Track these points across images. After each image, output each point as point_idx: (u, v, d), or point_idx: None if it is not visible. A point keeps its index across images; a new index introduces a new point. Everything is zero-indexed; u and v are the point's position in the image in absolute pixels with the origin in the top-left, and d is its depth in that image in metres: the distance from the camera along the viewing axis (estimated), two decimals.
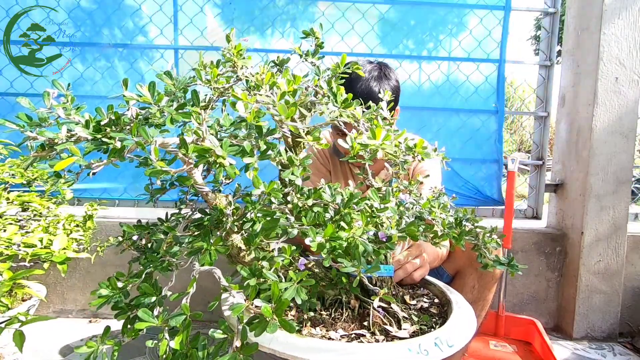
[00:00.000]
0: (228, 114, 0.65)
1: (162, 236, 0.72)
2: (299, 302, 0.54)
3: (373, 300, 0.64)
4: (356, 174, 0.86)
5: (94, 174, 0.55)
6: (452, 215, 0.77)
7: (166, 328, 0.55)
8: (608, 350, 1.66)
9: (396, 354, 0.63)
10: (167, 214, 0.82)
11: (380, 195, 0.75)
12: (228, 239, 0.74)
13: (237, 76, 0.70)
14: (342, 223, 0.61)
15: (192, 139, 0.57)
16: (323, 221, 0.62)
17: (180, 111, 0.58)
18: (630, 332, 1.80)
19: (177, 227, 0.77)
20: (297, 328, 0.73)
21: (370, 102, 1.06)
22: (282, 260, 0.58)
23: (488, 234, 0.77)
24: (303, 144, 0.83)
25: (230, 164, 0.54)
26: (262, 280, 0.57)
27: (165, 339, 0.54)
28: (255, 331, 0.51)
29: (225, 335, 0.53)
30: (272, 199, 0.64)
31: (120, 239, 0.79)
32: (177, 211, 0.84)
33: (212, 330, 0.54)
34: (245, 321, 0.53)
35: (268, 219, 0.62)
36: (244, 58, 0.72)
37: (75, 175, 0.59)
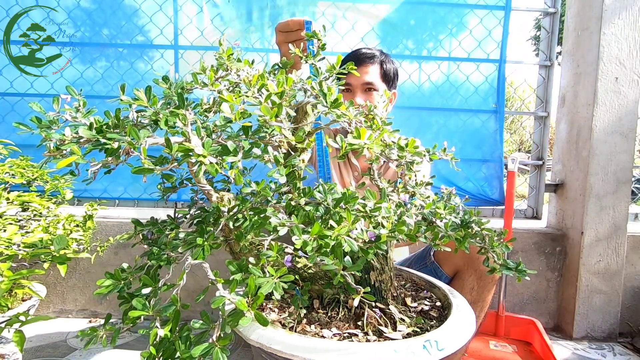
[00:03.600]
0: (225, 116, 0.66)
1: (167, 232, 0.74)
2: (277, 297, 0.56)
3: (354, 299, 0.65)
4: (364, 174, 0.88)
5: (109, 172, 0.57)
6: (459, 217, 0.77)
7: (157, 317, 0.58)
8: (608, 350, 1.66)
9: (382, 354, 0.63)
10: (175, 212, 0.83)
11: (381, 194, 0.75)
12: (230, 235, 0.75)
13: (235, 80, 0.71)
14: (331, 222, 0.62)
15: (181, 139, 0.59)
16: (313, 219, 0.63)
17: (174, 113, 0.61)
18: (630, 332, 1.80)
19: (182, 224, 0.80)
20: (291, 325, 0.75)
21: (371, 64, 1.37)
22: (268, 257, 0.60)
23: (496, 237, 0.77)
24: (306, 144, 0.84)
25: (211, 163, 0.57)
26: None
27: (156, 327, 0.57)
28: (231, 323, 0.53)
29: (206, 326, 0.56)
30: (269, 198, 0.65)
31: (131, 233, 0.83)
32: (187, 209, 0.86)
33: (193, 320, 0.56)
34: (227, 314, 0.55)
35: (259, 216, 0.63)
36: (239, 61, 0.73)
37: (93, 174, 0.62)
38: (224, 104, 0.62)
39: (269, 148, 0.65)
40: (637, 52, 1.68)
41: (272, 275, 0.57)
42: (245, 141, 0.61)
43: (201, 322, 0.56)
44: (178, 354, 0.53)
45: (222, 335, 0.54)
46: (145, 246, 0.79)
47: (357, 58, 1.38)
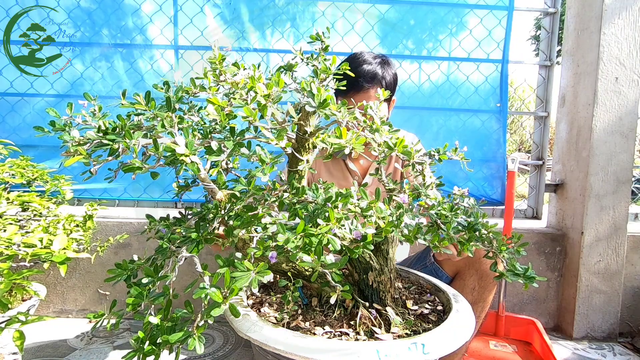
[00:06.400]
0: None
1: (172, 227, 0.76)
2: (255, 291, 0.58)
3: (332, 296, 0.66)
4: (370, 174, 0.88)
5: (126, 171, 0.61)
6: (466, 219, 0.77)
7: (152, 306, 0.62)
8: (608, 350, 1.66)
9: (365, 353, 0.64)
10: (185, 210, 0.84)
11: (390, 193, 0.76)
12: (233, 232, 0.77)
13: (229, 83, 0.73)
14: (318, 220, 0.63)
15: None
16: (301, 218, 0.65)
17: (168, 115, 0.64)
18: (630, 332, 1.80)
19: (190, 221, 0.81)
20: (287, 320, 0.77)
21: (371, 87, 1.29)
22: (254, 253, 0.61)
23: (507, 241, 0.76)
24: (308, 145, 0.84)
25: (192, 162, 0.61)
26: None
27: (150, 314, 0.61)
28: (206, 312, 0.56)
29: (188, 315, 0.59)
30: (266, 197, 0.68)
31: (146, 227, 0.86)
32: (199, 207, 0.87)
33: (177, 309, 0.59)
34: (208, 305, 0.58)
35: (247, 214, 0.66)
36: (235, 65, 0.75)
37: (114, 173, 0.68)
38: (210, 106, 0.65)
39: (258, 148, 0.67)
40: (637, 52, 1.68)
41: (251, 270, 0.59)
42: (229, 141, 0.63)
43: (184, 311, 0.59)
44: (159, 339, 0.56)
45: (199, 325, 0.56)
46: (159, 241, 0.81)
47: (357, 82, 1.27)
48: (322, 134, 0.82)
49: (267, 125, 0.68)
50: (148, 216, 0.83)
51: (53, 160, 1.77)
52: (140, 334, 0.58)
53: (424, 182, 0.85)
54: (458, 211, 0.77)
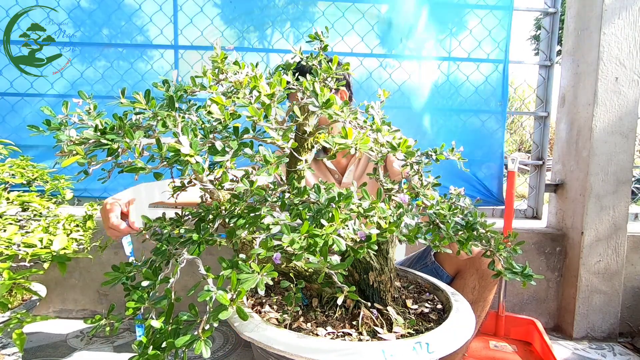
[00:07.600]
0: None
1: (169, 228, 0.75)
2: (261, 293, 0.57)
3: (338, 297, 0.65)
4: (367, 174, 0.88)
5: (129, 172, 0.60)
6: (463, 218, 0.77)
7: (153, 309, 0.61)
8: (608, 350, 1.66)
9: (369, 354, 0.64)
10: (182, 210, 0.84)
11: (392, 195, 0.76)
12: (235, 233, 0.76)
13: (231, 82, 0.72)
14: (322, 220, 0.62)
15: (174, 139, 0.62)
16: (304, 218, 0.64)
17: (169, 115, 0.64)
18: (630, 332, 1.80)
19: (187, 221, 0.81)
20: (288, 322, 0.76)
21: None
22: (258, 254, 0.61)
23: (503, 240, 0.76)
24: (307, 144, 0.84)
25: (197, 162, 0.59)
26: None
27: (152, 318, 0.60)
28: (212, 315, 0.55)
29: (193, 318, 0.58)
30: (267, 197, 0.67)
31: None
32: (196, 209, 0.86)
33: (181, 312, 0.58)
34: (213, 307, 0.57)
35: (252, 215, 0.65)
36: (236, 64, 0.75)
37: (107, 173, 0.67)
38: (213, 105, 0.64)
39: (261, 148, 0.66)
40: (637, 52, 1.68)
41: (257, 272, 0.58)
42: (233, 141, 0.63)
43: (189, 314, 0.57)
44: (164, 343, 0.55)
45: (204, 328, 0.55)
46: (155, 242, 0.80)
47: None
48: (320, 133, 0.81)
49: (271, 126, 0.67)
50: (143, 217, 0.82)
51: (53, 160, 1.76)
52: (143, 338, 0.57)
53: (421, 181, 0.85)
54: (456, 210, 0.77)
